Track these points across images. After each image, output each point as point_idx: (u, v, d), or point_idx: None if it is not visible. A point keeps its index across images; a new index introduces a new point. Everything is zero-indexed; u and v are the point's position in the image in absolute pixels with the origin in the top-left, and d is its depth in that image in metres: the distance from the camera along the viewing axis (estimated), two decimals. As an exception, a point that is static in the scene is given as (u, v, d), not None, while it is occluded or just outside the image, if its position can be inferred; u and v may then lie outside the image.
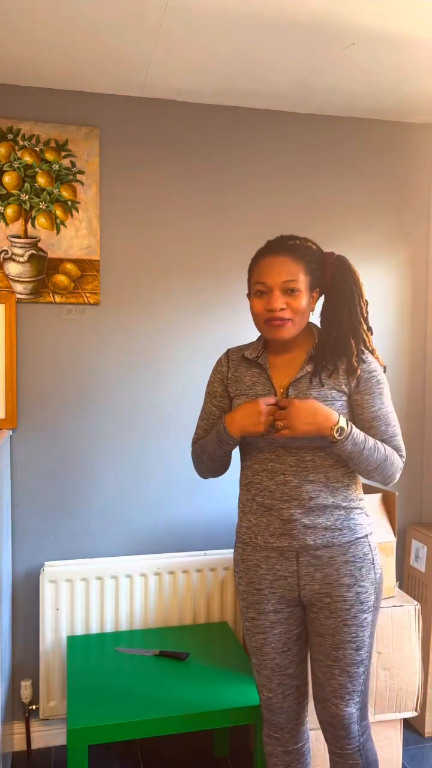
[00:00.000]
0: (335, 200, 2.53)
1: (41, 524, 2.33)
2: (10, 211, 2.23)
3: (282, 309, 1.52)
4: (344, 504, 1.58)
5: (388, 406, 1.60)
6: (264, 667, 1.64)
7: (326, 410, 1.49)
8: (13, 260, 2.24)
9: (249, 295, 1.62)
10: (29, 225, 2.25)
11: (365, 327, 1.63)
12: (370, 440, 1.54)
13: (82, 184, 2.28)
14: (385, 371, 1.63)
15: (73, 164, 2.27)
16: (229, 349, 1.73)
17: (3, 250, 2.24)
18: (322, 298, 1.65)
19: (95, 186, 2.30)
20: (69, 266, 2.29)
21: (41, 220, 2.25)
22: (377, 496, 2.20)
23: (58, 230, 2.27)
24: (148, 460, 2.41)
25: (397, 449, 1.61)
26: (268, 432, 1.54)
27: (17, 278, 2.25)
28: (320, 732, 1.92)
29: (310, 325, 1.65)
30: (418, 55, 2.02)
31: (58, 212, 2.27)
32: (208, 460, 1.67)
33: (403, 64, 2.08)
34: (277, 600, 1.61)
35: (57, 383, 2.32)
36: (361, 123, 2.54)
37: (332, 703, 1.59)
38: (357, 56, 2.02)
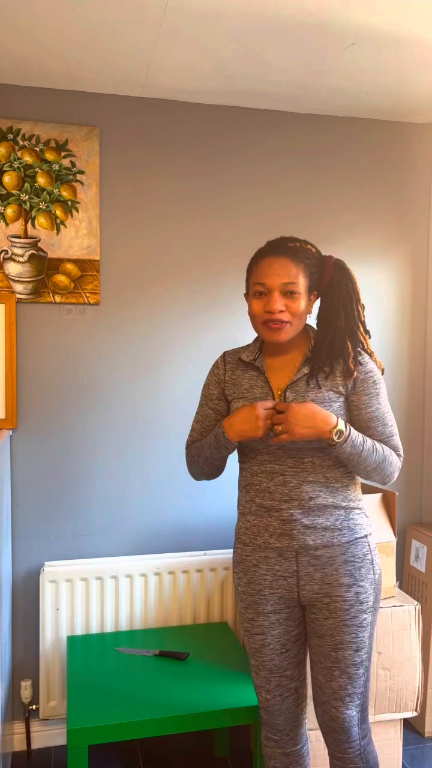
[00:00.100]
0: (335, 200, 2.53)
1: (41, 524, 2.33)
2: (10, 211, 2.23)
3: (281, 311, 1.52)
4: (343, 504, 1.58)
5: (385, 406, 1.61)
6: (262, 668, 1.64)
7: (325, 413, 1.49)
8: (13, 260, 2.25)
9: (247, 295, 1.62)
10: (29, 225, 2.25)
11: (362, 330, 1.63)
12: (369, 441, 1.54)
13: (82, 184, 2.28)
14: (383, 373, 1.63)
15: (73, 164, 2.27)
16: (225, 352, 1.73)
17: (3, 250, 2.24)
18: (318, 301, 1.65)
19: (95, 186, 2.30)
20: (69, 266, 2.29)
21: (41, 220, 2.26)
22: (377, 496, 2.20)
23: (58, 230, 2.27)
24: (148, 459, 2.41)
25: (394, 449, 1.61)
26: (266, 436, 1.54)
27: (17, 278, 2.25)
28: (320, 732, 1.92)
29: (306, 327, 1.65)
30: (418, 55, 2.02)
31: (58, 212, 2.27)
32: (204, 464, 1.67)
33: (403, 64, 2.08)
34: (276, 601, 1.61)
35: (57, 383, 2.32)
36: (361, 123, 2.54)
37: (332, 705, 1.59)
38: (357, 56, 2.02)
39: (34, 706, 2.29)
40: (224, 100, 2.37)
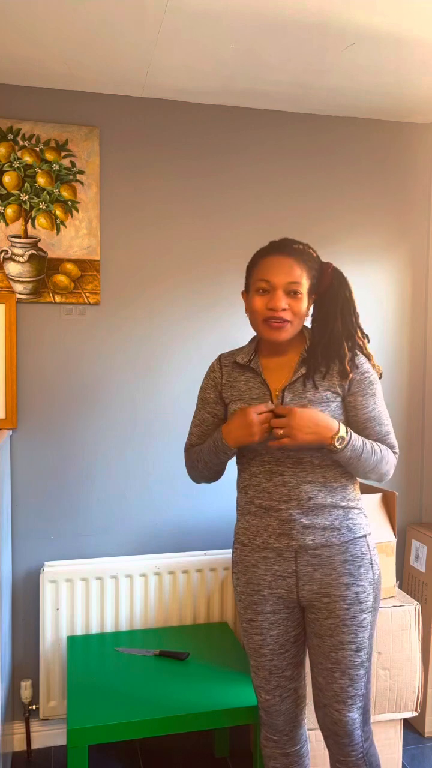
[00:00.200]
0: (335, 200, 2.53)
1: (41, 524, 2.33)
2: (10, 211, 2.23)
3: (284, 309, 1.53)
4: (342, 504, 1.58)
5: (381, 405, 1.62)
6: (261, 669, 1.64)
7: (327, 419, 1.50)
8: (13, 260, 2.25)
9: (246, 293, 1.63)
10: (29, 225, 2.25)
11: (360, 334, 1.64)
12: (368, 444, 1.55)
13: (82, 184, 2.28)
14: (380, 377, 1.64)
15: (73, 164, 2.27)
16: (220, 355, 1.73)
17: (3, 250, 2.24)
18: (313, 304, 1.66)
19: (95, 186, 2.30)
20: (69, 266, 2.29)
21: (41, 220, 2.26)
22: (377, 496, 2.20)
23: (58, 230, 2.27)
24: (148, 459, 2.41)
25: (391, 447, 1.63)
26: (265, 440, 1.53)
27: (17, 278, 2.25)
28: (320, 732, 1.92)
29: (302, 329, 1.65)
30: (418, 55, 2.02)
31: (58, 212, 2.27)
32: (204, 469, 1.67)
33: (403, 64, 2.08)
34: (275, 601, 1.60)
35: (57, 383, 2.32)
36: (361, 123, 2.54)
37: (334, 708, 1.58)
38: (357, 56, 2.02)
39: (34, 706, 2.29)
40: (224, 100, 2.37)
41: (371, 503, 2.17)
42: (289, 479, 1.56)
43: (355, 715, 1.58)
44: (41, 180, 2.25)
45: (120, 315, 2.36)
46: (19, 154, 2.23)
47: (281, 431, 1.48)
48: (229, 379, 1.67)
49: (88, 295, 2.31)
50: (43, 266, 2.27)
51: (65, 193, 2.27)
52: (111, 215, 2.34)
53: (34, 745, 2.34)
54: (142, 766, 2.24)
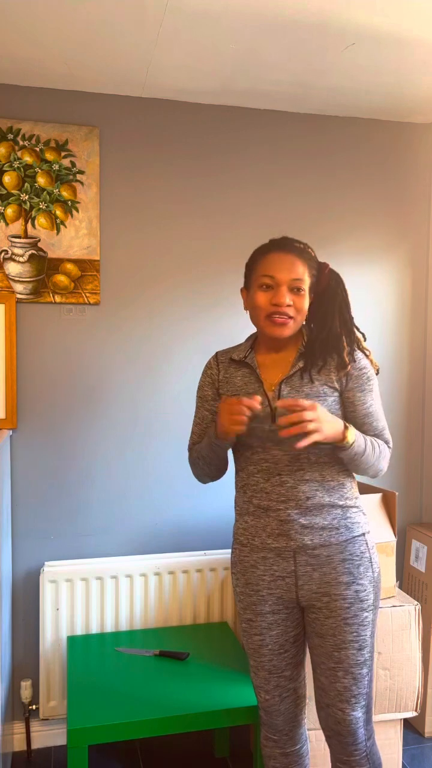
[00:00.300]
0: (335, 201, 2.53)
1: (41, 524, 2.33)
2: (10, 211, 2.23)
3: (288, 305, 1.54)
4: (340, 503, 1.58)
5: (377, 401, 1.63)
6: (261, 669, 1.64)
7: (333, 416, 1.51)
8: (13, 260, 2.24)
9: (246, 289, 1.64)
10: (29, 225, 2.25)
11: (357, 331, 1.66)
12: (368, 440, 1.56)
13: (82, 184, 2.28)
14: (378, 373, 1.64)
15: (73, 164, 2.27)
16: (217, 352, 1.74)
17: (3, 250, 2.24)
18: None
19: (95, 186, 2.29)
20: (69, 266, 2.29)
21: (41, 220, 2.25)
22: (377, 496, 2.20)
23: (58, 230, 2.27)
24: (148, 459, 2.41)
25: (386, 442, 1.64)
26: (285, 443, 1.51)
27: (17, 278, 2.25)
28: (320, 732, 1.92)
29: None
30: (418, 55, 2.02)
31: (58, 212, 2.27)
32: (205, 465, 1.68)
33: (404, 64, 2.08)
34: (274, 601, 1.60)
35: (57, 383, 2.32)
36: (361, 123, 2.54)
37: (338, 708, 1.58)
38: (357, 56, 2.02)
39: (34, 706, 2.29)
40: (224, 100, 2.37)
41: (371, 503, 2.17)
42: (286, 479, 1.56)
43: (358, 713, 1.58)
44: (41, 180, 2.25)
45: (120, 315, 2.36)
46: (19, 154, 2.23)
47: (312, 426, 1.42)
48: (225, 376, 1.67)
49: (88, 295, 2.31)
50: (43, 266, 2.27)
51: (65, 193, 2.27)
52: (111, 215, 2.34)
53: (34, 745, 2.34)
54: (142, 766, 2.24)
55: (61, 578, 2.25)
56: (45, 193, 2.25)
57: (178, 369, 2.41)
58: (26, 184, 2.24)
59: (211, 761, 2.29)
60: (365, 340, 1.67)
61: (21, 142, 2.23)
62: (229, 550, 2.43)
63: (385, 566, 2.12)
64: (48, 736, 2.35)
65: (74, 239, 2.28)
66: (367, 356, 1.63)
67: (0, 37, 1.90)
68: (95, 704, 1.85)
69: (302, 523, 1.55)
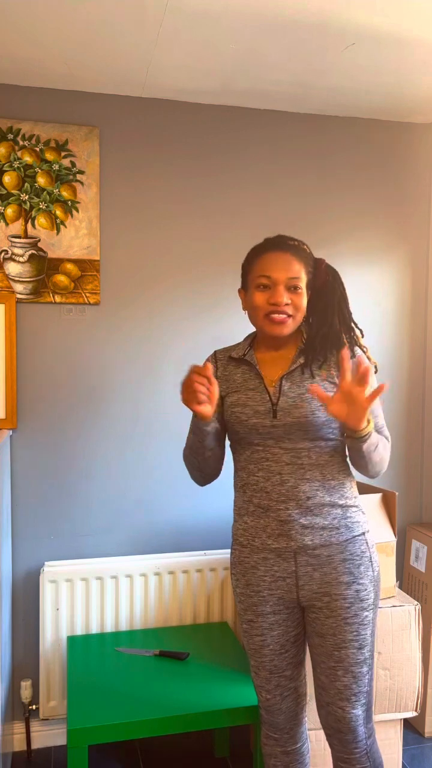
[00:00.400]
0: (335, 201, 2.53)
1: (41, 524, 2.33)
2: (10, 211, 2.23)
3: (286, 304, 1.54)
4: (341, 502, 1.58)
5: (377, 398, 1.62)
6: (262, 669, 1.64)
7: None
8: (13, 260, 2.24)
9: (243, 290, 1.64)
10: (29, 225, 2.25)
11: (355, 327, 1.66)
12: (376, 436, 1.55)
13: (82, 184, 2.28)
14: (376, 372, 1.64)
15: (73, 164, 2.27)
16: (215, 351, 1.74)
17: (3, 250, 2.24)
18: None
19: (95, 186, 2.30)
20: (69, 266, 2.29)
21: (41, 220, 2.26)
22: (377, 496, 2.20)
23: (58, 230, 2.27)
24: (148, 459, 2.41)
25: (386, 438, 1.64)
26: (276, 436, 1.51)
27: (17, 278, 2.25)
28: (320, 732, 1.92)
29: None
30: (418, 55, 2.02)
31: (58, 212, 2.27)
32: (194, 457, 1.66)
33: (404, 64, 2.08)
34: (275, 602, 1.60)
35: (57, 383, 2.32)
36: (362, 123, 2.54)
37: (338, 706, 1.58)
38: (357, 56, 2.02)
39: (34, 706, 2.29)
40: (224, 100, 2.37)
41: (371, 503, 2.17)
42: (287, 478, 1.56)
43: (358, 711, 1.58)
44: (41, 180, 2.25)
45: (120, 315, 2.36)
46: (19, 154, 2.23)
47: (367, 384, 1.43)
48: (224, 373, 1.68)
49: (88, 295, 2.31)
50: (43, 266, 2.27)
51: (65, 193, 2.27)
52: (111, 215, 2.34)
53: (34, 745, 2.34)
54: (142, 766, 2.24)
55: (61, 578, 2.25)
56: (45, 193, 2.25)
57: (177, 369, 2.41)
58: (26, 184, 2.24)
59: (211, 761, 2.29)
60: (363, 336, 1.67)
61: (21, 142, 2.23)
62: (229, 550, 2.43)
63: (385, 566, 2.12)
64: (48, 736, 2.35)
65: (74, 239, 2.28)
66: (364, 353, 1.63)
67: (0, 37, 1.90)
68: (95, 704, 1.85)
69: (302, 523, 1.55)
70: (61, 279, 2.28)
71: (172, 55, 2.01)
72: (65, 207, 2.27)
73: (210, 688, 1.94)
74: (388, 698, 2.10)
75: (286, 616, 1.62)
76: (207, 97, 2.34)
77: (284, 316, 1.55)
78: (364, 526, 1.62)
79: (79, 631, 2.27)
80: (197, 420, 1.58)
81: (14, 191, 2.23)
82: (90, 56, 2.03)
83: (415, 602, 2.13)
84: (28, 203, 2.24)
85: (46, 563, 2.30)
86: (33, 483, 2.32)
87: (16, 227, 2.24)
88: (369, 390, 1.44)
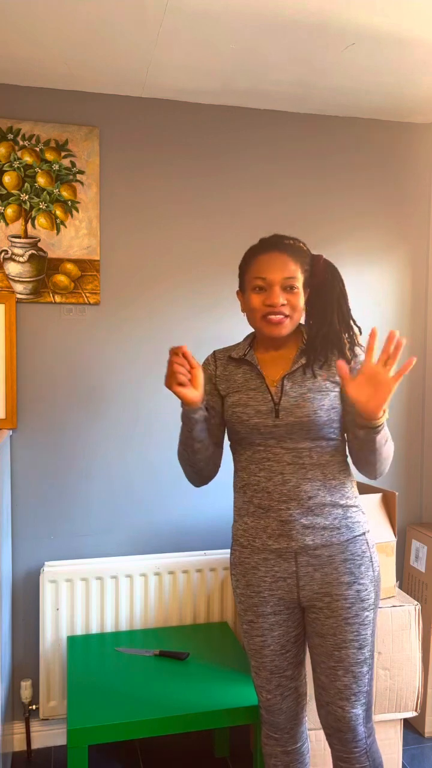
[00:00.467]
0: (335, 201, 2.53)
1: (41, 524, 2.33)
2: (10, 211, 2.23)
3: (283, 304, 1.54)
4: (341, 502, 1.58)
5: None
6: (263, 669, 1.64)
7: None
8: (13, 260, 2.25)
9: (241, 292, 1.64)
10: (29, 225, 2.25)
11: (355, 326, 1.65)
12: (386, 428, 1.52)
13: (82, 184, 2.28)
14: None
15: (73, 164, 2.27)
16: (215, 351, 1.74)
17: (3, 250, 2.24)
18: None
19: (95, 186, 2.30)
20: (69, 266, 2.29)
21: (41, 220, 2.26)
22: (377, 496, 2.20)
23: (58, 230, 2.27)
24: (148, 459, 2.41)
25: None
26: (278, 436, 1.51)
27: (17, 278, 2.25)
28: (320, 732, 1.92)
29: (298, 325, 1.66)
30: (418, 55, 2.02)
31: (58, 212, 2.27)
32: (182, 449, 1.63)
33: (404, 64, 2.08)
34: (276, 602, 1.60)
35: (57, 383, 2.32)
36: (362, 123, 2.54)
37: (338, 705, 1.58)
38: (357, 56, 2.02)
39: (34, 706, 2.29)
40: (224, 100, 2.37)
41: (371, 503, 2.17)
42: (289, 478, 1.56)
43: (358, 711, 1.58)
44: (41, 180, 2.25)
45: (120, 315, 2.36)
46: (19, 154, 2.23)
47: (392, 362, 1.41)
48: (224, 372, 1.67)
49: (88, 295, 2.31)
50: (43, 266, 2.27)
51: (65, 193, 2.27)
52: (111, 215, 2.34)
53: (34, 745, 2.34)
54: (142, 766, 2.24)
55: (61, 578, 2.25)
56: (45, 193, 2.25)
57: (178, 369, 2.41)
58: (26, 184, 2.24)
59: (211, 761, 2.29)
60: (360, 333, 1.65)
61: (21, 142, 2.23)
62: (229, 550, 2.43)
63: (385, 566, 2.12)
64: (48, 736, 2.35)
65: (74, 239, 2.28)
66: (363, 352, 1.63)
67: (0, 37, 1.90)
68: (95, 704, 1.85)
69: (303, 524, 1.55)
70: (61, 279, 2.28)
71: (172, 55, 2.01)
72: (65, 207, 2.27)
73: (210, 688, 1.94)
74: (388, 698, 2.10)
75: (286, 617, 1.62)
76: (207, 97, 2.34)
77: (281, 316, 1.54)
78: (364, 526, 1.62)
79: (79, 631, 2.27)
80: (184, 407, 1.55)
81: (14, 191, 2.23)
82: (90, 56, 2.03)
83: (415, 602, 2.13)
84: (28, 203, 2.24)
85: (46, 563, 2.30)
86: (33, 483, 2.32)
87: (16, 227, 2.24)
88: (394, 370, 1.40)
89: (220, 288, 2.43)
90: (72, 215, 2.28)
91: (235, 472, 1.68)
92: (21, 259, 2.24)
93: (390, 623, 2.08)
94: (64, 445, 2.34)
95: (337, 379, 1.58)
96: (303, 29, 1.85)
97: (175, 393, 1.51)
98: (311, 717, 1.83)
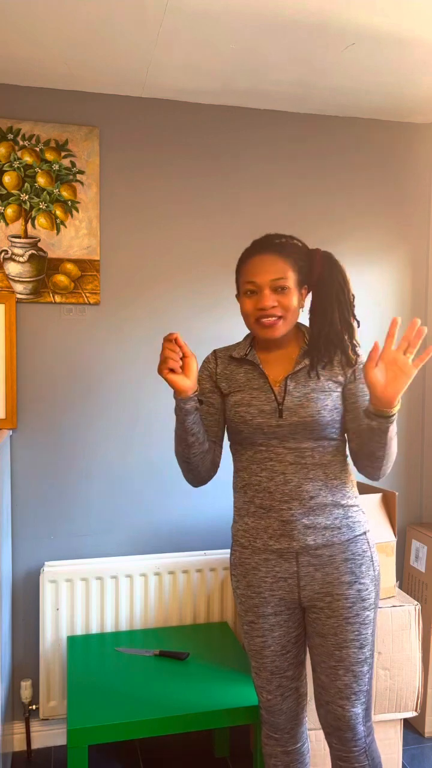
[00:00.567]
0: (335, 201, 2.53)
1: (41, 524, 2.33)
2: (10, 211, 2.23)
3: (273, 307, 1.53)
4: (342, 502, 1.58)
5: None
6: (263, 670, 1.64)
7: None
8: (13, 260, 2.24)
9: (238, 296, 1.64)
10: (29, 225, 2.25)
11: (354, 321, 1.62)
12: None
13: (82, 184, 2.28)
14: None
15: (73, 164, 2.27)
16: (215, 350, 1.74)
17: (3, 250, 2.24)
18: (310, 295, 1.65)
19: (95, 186, 2.29)
20: (69, 266, 2.29)
21: (41, 220, 2.25)
22: (377, 496, 2.20)
23: (58, 230, 2.27)
24: (148, 459, 2.41)
25: None
26: (280, 436, 1.52)
27: (17, 278, 2.25)
28: (320, 732, 1.92)
29: (298, 323, 1.65)
30: (419, 55, 2.02)
31: (58, 212, 2.27)
32: (177, 444, 1.61)
33: (404, 64, 2.08)
34: (276, 602, 1.60)
35: (57, 383, 2.32)
36: (362, 123, 2.54)
37: (338, 704, 1.58)
38: (357, 56, 2.02)
39: (34, 706, 2.29)
40: (224, 100, 2.37)
41: (371, 503, 2.17)
42: (291, 478, 1.56)
43: (358, 710, 1.58)
44: (41, 180, 2.25)
45: (120, 315, 2.36)
46: (19, 154, 2.23)
47: (412, 350, 1.40)
48: (225, 371, 1.67)
49: (88, 295, 2.31)
50: (43, 266, 2.27)
51: (65, 193, 2.27)
52: (111, 215, 2.34)
53: (34, 745, 2.34)
54: (142, 766, 2.24)
55: (61, 578, 2.25)
56: (45, 193, 2.25)
57: (178, 369, 2.41)
58: (26, 184, 2.24)
59: (211, 761, 2.29)
60: (359, 326, 1.63)
61: (21, 142, 2.23)
62: (229, 551, 2.43)
63: (385, 566, 2.12)
64: (48, 736, 2.35)
65: (74, 239, 2.28)
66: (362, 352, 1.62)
67: (0, 37, 1.90)
68: (95, 704, 1.85)
69: (305, 524, 1.55)
70: (61, 279, 2.28)
71: (172, 55, 2.01)
72: (65, 207, 2.27)
73: (210, 688, 1.94)
74: (388, 698, 2.10)
75: (287, 617, 1.61)
76: (207, 97, 2.34)
77: (273, 318, 1.54)
78: (365, 526, 1.62)
79: (79, 631, 2.27)
80: (175, 397, 1.55)
81: (14, 191, 2.23)
82: (90, 56, 2.03)
83: (415, 602, 2.13)
84: (28, 203, 2.24)
85: (46, 563, 2.30)
86: (33, 483, 2.32)
87: (16, 227, 2.24)
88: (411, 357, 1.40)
89: (220, 288, 2.43)
90: (72, 215, 2.28)
91: (236, 472, 1.67)
92: (21, 259, 2.24)
93: (390, 623, 2.08)
94: (64, 445, 2.33)
95: (340, 379, 1.58)
96: (303, 29, 1.85)
97: (166, 379, 1.51)
98: (311, 717, 1.83)
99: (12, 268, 2.24)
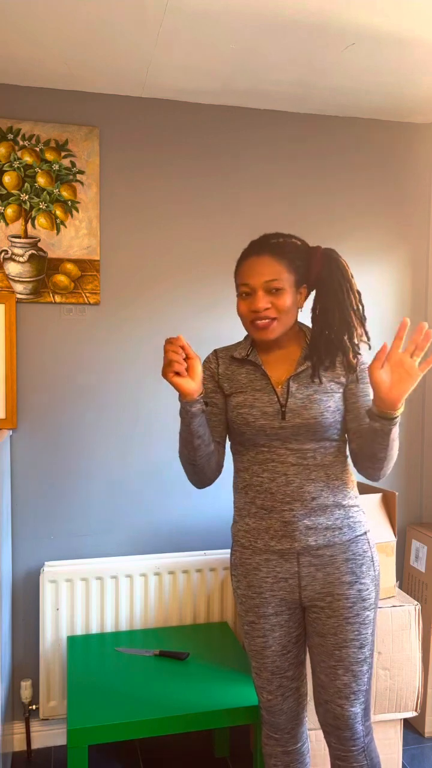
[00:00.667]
0: (335, 201, 2.53)
1: (41, 524, 2.33)
2: (10, 211, 2.23)
3: (266, 309, 1.52)
4: (343, 502, 1.58)
5: None
6: (264, 670, 1.64)
7: None
8: (13, 260, 2.24)
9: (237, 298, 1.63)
10: (29, 225, 2.25)
11: (359, 317, 1.60)
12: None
13: (82, 184, 2.28)
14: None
15: (73, 164, 2.27)
16: (216, 349, 1.73)
17: (3, 250, 2.24)
18: (312, 293, 1.65)
19: (95, 186, 2.30)
20: (69, 266, 2.29)
21: (41, 220, 2.25)
22: (377, 496, 2.20)
23: (58, 230, 2.27)
24: (148, 460, 2.41)
25: None
26: (283, 437, 1.53)
27: (17, 278, 2.25)
28: (320, 732, 1.92)
29: (298, 323, 1.64)
30: (418, 55, 2.02)
31: (58, 212, 2.27)
32: (182, 446, 1.60)
33: (403, 64, 2.08)
34: (277, 603, 1.60)
35: (57, 383, 2.32)
36: (362, 123, 2.54)
37: (336, 704, 1.58)
38: (357, 56, 2.02)
39: (34, 706, 2.29)
40: (224, 100, 2.37)
41: (371, 503, 2.17)
42: (293, 479, 1.56)
43: (357, 709, 1.58)
44: (41, 180, 2.25)
45: (120, 315, 2.36)
46: (19, 154, 2.23)
47: (420, 352, 1.39)
48: (227, 372, 1.66)
49: (88, 295, 2.31)
50: (43, 266, 2.27)
51: (65, 193, 2.27)
52: (111, 215, 2.34)
53: (34, 745, 2.34)
54: (142, 766, 2.24)
55: (61, 578, 2.25)
56: (45, 193, 2.25)
57: (178, 369, 2.41)
58: (26, 184, 2.24)
59: (211, 761, 2.29)
60: (365, 320, 1.61)
61: (21, 142, 2.23)
62: (229, 551, 2.43)
63: (385, 566, 2.12)
64: (48, 736, 2.35)
65: (74, 239, 2.28)
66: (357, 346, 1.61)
67: (0, 37, 1.90)
68: (95, 704, 1.85)
69: (306, 524, 1.55)
70: (61, 279, 2.28)
71: (172, 55, 2.01)
72: (65, 207, 2.27)
73: (210, 688, 1.94)
74: (388, 698, 2.10)
75: (288, 617, 1.61)
76: (207, 97, 2.34)
77: (267, 320, 1.53)
78: (365, 526, 1.62)
79: (79, 631, 2.27)
80: (181, 400, 1.54)
81: (14, 191, 2.23)
82: (90, 56, 2.03)
83: (415, 602, 2.13)
84: (28, 203, 2.24)
85: (46, 563, 2.30)
86: (33, 483, 2.32)
87: (16, 227, 2.24)
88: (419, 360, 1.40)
89: (220, 288, 2.43)
90: (72, 215, 2.28)
91: (236, 472, 1.67)
92: (21, 259, 2.24)
93: (390, 623, 2.08)
94: (64, 445, 2.33)
95: (341, 380, 1.58)
96: (303, 29, 1.85)
97: (172, 383, 1.50)
98: (311, 717, 1.83)
99: (12, 268, 2.24)
